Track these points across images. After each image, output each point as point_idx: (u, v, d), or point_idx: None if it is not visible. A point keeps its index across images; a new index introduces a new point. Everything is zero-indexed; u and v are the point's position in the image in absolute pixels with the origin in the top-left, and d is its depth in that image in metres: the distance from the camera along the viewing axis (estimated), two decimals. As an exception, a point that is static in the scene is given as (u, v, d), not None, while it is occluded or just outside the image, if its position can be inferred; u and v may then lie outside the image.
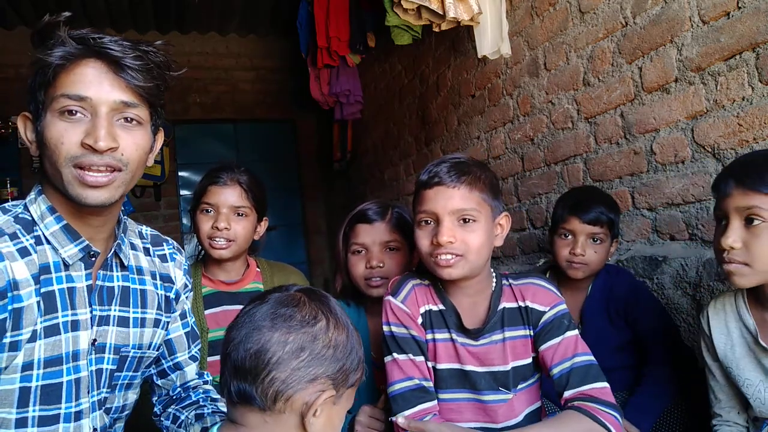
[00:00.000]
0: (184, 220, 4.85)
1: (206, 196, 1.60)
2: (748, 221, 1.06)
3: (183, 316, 1.27)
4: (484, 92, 2.69)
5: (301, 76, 4.14)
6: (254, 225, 1.66)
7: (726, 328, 1.22)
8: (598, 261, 1.63)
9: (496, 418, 1.23)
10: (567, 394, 1.14)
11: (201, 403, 1.22)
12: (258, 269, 1.75)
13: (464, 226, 1.15)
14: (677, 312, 1.70)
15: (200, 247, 1.70)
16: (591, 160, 2.05)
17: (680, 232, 1.71)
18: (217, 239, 1.58)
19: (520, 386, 1.24)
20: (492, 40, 2.28)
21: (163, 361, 1.25)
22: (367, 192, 4.34)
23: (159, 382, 1.27)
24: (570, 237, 1.64)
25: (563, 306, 1.22)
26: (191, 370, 1.28)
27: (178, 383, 1.27)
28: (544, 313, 1.21)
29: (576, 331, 1.20)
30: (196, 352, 1.29)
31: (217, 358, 1.57)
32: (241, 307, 1.76)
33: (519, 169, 2.48)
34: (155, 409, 1.27)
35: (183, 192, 4.94)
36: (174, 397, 1.26)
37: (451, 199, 1.14)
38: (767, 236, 1.05)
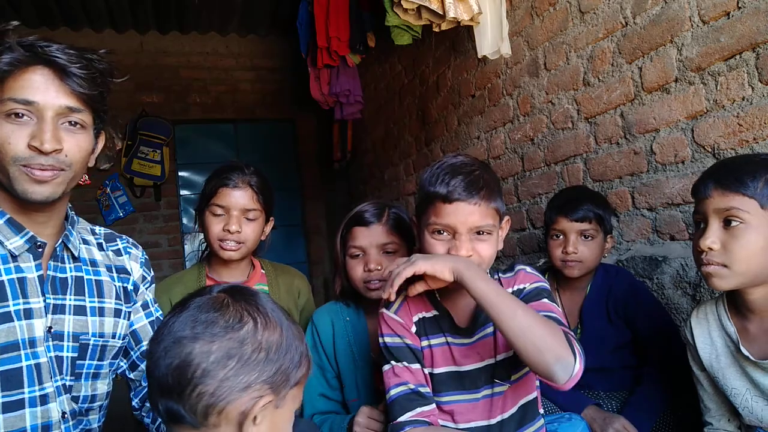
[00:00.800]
0: (184, 220, 4.85)
1: (217, 197, 1.59)
2: (727, 223, 1.07)
3: (145, 306, 1.31)
4: (484, 92, 2.69)
5: (301, 76, 4.14)
6: (263, 226, 1.66)
7: (709, 337, 1.22)
8: (592, 257, 1.64)
9: (492, 413, 1.24)
10: None
11: None
12: (263, 270, 1.75)
13: (479, 237, 1.18)
14: (677, 312, 1.70)
15: (204, 245, 1.70)
16: (591, 160, 2.05)
17: (680, 232, 1.71)
18: (227, 242, 1.58)
19: (514, 376, 1.25)
20: (492, 40, 2.28)
21: (132, 353, 1.28)
22: (367, 192, 4.34)
23: (132, 376, 1.30)
24: (561, 237, 1.67)
25: (544, 283, 1.25)
26: None
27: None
28: (525, 288, 1.24)
29: (553, 305, 1.20)
30: None
31: None
32: None
33: (519, 169, 2.48)
34: (133, 403, 1.30)
35: (183, 192, 4.93)
36: None
37: (471, 216, 1.16)
38: (746, 237, 1.06)
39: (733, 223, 1.07)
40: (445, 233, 1.19)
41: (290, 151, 5.34)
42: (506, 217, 1.26)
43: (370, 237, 1.50)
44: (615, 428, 1.45)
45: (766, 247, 1.06)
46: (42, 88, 1.01)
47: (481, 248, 1.18)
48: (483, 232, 1.18)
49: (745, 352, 1.13)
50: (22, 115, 1.00)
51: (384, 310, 1.29)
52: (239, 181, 1.59)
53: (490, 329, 1.24)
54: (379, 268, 1.48)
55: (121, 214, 4.59)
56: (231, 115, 5.04)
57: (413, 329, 1.27)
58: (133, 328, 1.27)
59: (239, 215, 1.58)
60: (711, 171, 1.14)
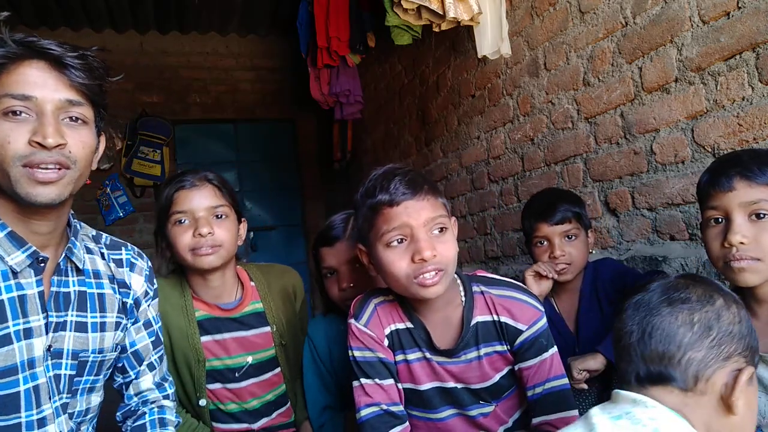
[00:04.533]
0: (184, 220, 4.85)
1: (176, 204, 1.40)
2: (755, 216, 1.04)
3: (148, 324, 1.25)
4: (484, 92, 2.69)
5: (301, 76, 4.14)
6: (236, 226, 1.48)
7: None
8: (580, 256, 1.64)
9: (491, 427, 1.22)
10: (535, 420, 1.15)
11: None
12: (252, 283, 1.58)
13: (438, 237, 1.09)
14: (677, 312, 1.70)
15: (172, 266, 1.52)
16: (591, 160, 2.05)
17: (680, 232, 1.71)
18: (201, 247, 1.39)
19: (502, 397, 1.22)
20: (492, 40, 2.28)
21: (130, 371, 1.24)
22: (367, 192, 4.33)
23: (125, 392, 1.26)
24: (546, 243, 1.65)
25: (542, 322, 1.18)
26: (147, 380, 1.25)
27: (133, 393, 1.25)
28: (521, 331, 1.16)
29: (553, 350, 1.18)
30: (155, 360, 1.27)
31: (218, 386, 1.50)
32: (243, 333, 1.53)
33: (519, 169, 2.48)
34: (117, 415, 1.27)
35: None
36: (133, 408, 1.25)
37: (423, 210, 1.08)
38: None
39: (762, 215, 1.02)
40: (402, 240, 1.08)
41: (290, 151, 5.33)
42: (453, 219, 1.18)
43: (338, 255, 1.46)
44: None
45: None
46: (40, 82, 0.95)
47: (443, 249, 1.08)
48: (442, 230, 1.09)
49: None
50: (20, 112, 0.94)
51: (352, 321, 1.21)
52: (196, 180, 1.43)
53: (472, 354, 1.18)
54: (353, 285, 1.44)
55: (121, 214, 4.59)
56: (231, 115, 5.04)
57: (386, 342, 1.19)
58: (136, 348, 1.22)
59: (207, 216, 1.40)
60: (732, 162, 1.09)
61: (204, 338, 1.48)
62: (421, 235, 1.07)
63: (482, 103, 2.71)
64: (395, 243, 1.09)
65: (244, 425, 1.53)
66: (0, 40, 0.95)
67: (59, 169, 0.97)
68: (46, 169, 0.95)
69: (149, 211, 4.75)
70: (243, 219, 1.53)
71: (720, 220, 1.08)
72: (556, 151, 2.22)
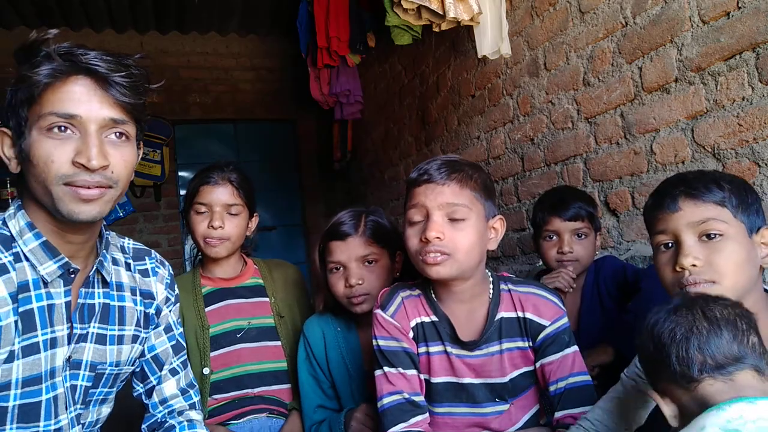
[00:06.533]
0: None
1: (199, 196, 1.64)
2: (705, 236, 0.99)
3: (168, 329, 1.26)
4: (484, 92, 2.69)
5: (301, 76, 4.15)
6: (246, 222, 1.69)
7: None
8: (587, 255, 1.66)
9: (495, 428, 1.22)
10: (558, 414, 1.15)
11: None
12: (255, 267, 1.78)
13: (454, 224, 1.11)
14: (677, 312, 1.70)
15: (195, 250, 1.74)
16: (591, 160, 2.05)
17: (680, 232, 1.71)
18: (212, 238, 1.62)
19: (518, 395, 1.22)
20: (492, 40, 2.28)
21: (151, 377, 1.23)
22: (367, 192, 4.34)
23: (148, 401, 1.24)
24: (555, 237, 1.66)
25: (564, 320, 1.19)
26: (170, 385, 1.24)
27: (157, 400, 1.24)
28: (544, 327, 1.18)
29: (575, 348, 1.19)
30: (177, 365, 1.27)
31: (221, 352, 1.60)
32: (242, 300, 1.69)
33: (519, 169, 2.48)
34: (143, 427, 1.25)
35: (183, 192, 4.93)
36: (159, 420, 1.24)
37: (441, 195, 1.11)
38: (728, 249, 0.97)
39: (713, 236, 0.98)
40: (419, 220, 1.13)
41: (290, 151, 5.34)
42: (499, 216, 1.19)
43: (348, 251, 1.45)
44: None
45: (748, 258, 0.99)
46: (84, 100, 0.94)
47: (457, 236, 1.10)
48: (458, 217, 1.11)
49: None
50: (65, 129, 0.93)
51: (379, 312, 1.23)
52: (219, 179, 1.64)
53: (494, 348, 1.19)
54: (361, 282, 1.43)
55: (121, 214, 4.59)
56: (231, 115, 5.04)
57: (411, 334, 1.21)
58: (155, 352, 1.22)
59: (221, 211, 1.62)
60: (673, 184, 1.05)
61: (208, 308, 1.65)
62: (434, 217, 1.11)
63: (482, 103, 2.71)
64: (413, 220, 1.15)
65: (244, 390, 1.62)
66: (46, 55, 0.94)
67: (100, 188, 0.97)
68: (89, 188, 0.95)
69: (149, 211, 4.75)
70: (255, 213, 1.74)
71: (670, 245, 1.03)
72: (556, 151, 2.22)
